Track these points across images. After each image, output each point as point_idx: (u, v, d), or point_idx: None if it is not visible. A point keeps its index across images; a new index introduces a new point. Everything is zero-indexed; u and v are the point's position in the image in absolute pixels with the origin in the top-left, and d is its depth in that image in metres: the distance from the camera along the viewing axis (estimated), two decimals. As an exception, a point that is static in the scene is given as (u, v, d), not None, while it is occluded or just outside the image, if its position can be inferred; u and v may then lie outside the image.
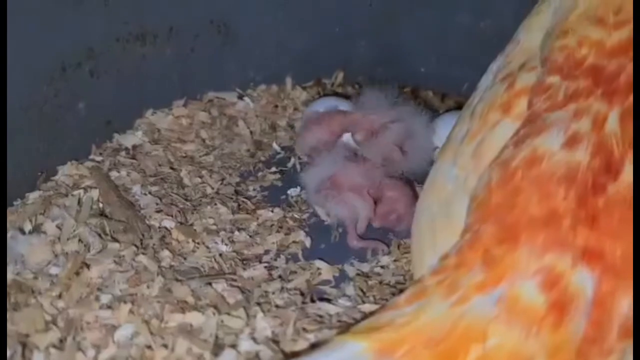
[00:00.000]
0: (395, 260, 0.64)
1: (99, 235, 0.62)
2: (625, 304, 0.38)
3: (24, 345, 0.50)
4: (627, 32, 0.44)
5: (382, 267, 0.64)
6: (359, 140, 0.72)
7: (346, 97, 0.84)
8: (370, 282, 0.62)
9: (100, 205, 0.66)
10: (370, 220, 0.69)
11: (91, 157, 0.74)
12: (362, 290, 0.60)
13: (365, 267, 0.64)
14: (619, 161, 0.41)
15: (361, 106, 0.75)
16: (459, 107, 0.84)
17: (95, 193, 0.67)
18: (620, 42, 0.44)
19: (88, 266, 0.58)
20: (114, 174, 0.71)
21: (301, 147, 0.75)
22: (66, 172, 0.71)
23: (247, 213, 0.70)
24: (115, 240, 0.62)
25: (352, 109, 0.77)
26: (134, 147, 0.76)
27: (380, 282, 0.61)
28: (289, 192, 0.74)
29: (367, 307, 0.57)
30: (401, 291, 0.57)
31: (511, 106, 0.48)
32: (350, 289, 0.60)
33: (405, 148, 0.72)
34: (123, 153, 0.75)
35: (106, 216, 0.65)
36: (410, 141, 0.73)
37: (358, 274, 0.63)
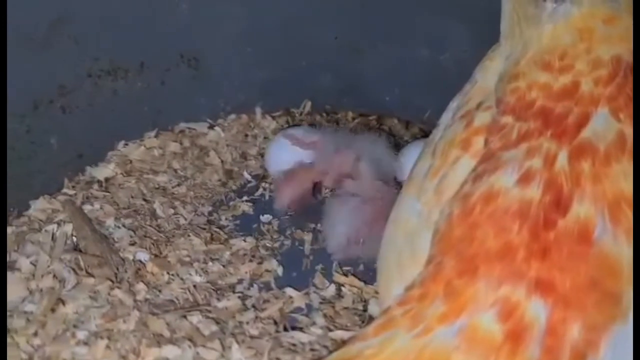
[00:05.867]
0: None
1: (74, 270, 0.63)
2: (575, 331, 0.41)
3: (2, 385, 0.51)
4: (570, 77, 0.47)
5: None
6: (330, 186, 0.78)
7: (314, 125, 0.88)
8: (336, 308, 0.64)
9: (74, 239, 0.67)
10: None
11: (64, 191, 0.75)
12: (331, 317, 0.62)
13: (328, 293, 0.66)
14: (567, 197, 0.44)
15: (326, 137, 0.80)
16: (423, 134, 0.87)
17: (68, 227, 0.68)
18: (565, 86, 0.47)
19: (63, 302, 0.60)
20: (87, 207, 0.72)
21: (280, 205, 0.78)
22: (39, 206, 0.72)
23: (220, 243, 0.72)
24: (90, 275, 0.63)
25: (320, 137, 0.81)
26: (107, 179, 0.78)
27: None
28: (261, 218, 0.76)
29: (338, 334, 0.60)
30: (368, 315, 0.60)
31: (470, 143, 0.50)
32: (320, 317, 0.62)
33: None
34: (96, 186, 0.76)
35: (80, 251, 0.66)
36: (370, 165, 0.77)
37: (322, 302, 0.65)
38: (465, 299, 0.42)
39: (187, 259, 0.68)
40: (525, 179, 0.45)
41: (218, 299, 0.63)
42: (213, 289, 0.65)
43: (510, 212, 0.44)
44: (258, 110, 0.90)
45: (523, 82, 0.49)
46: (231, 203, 0.79)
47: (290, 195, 0.77)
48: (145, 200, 0.76)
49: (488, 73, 0.54)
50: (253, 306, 0.63)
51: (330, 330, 0.60)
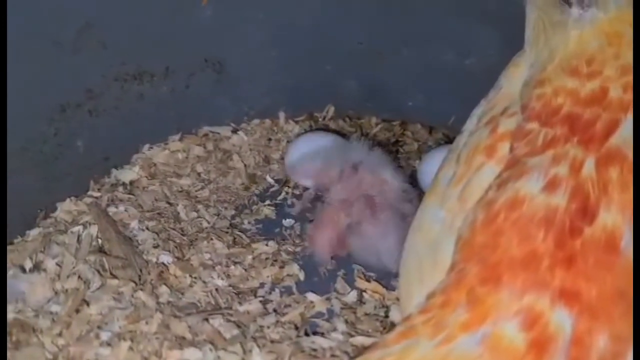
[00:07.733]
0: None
1: (98, 271, 0.64)
2: (601, 341, 0.40)
3: (27, 384, 0.52)
4: (598, 82, 0.46)
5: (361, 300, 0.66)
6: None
7: (336, 131, 0.87)
8: (358, 314, 0.64)
9: (99, 241, 0.68)
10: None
11: (90, 193, 0.76)
12: (352, 323, 0.62)
13: (350, 299, 0.65)
14: (594, 205, 0.43)
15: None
16: (447, 140, 0.87)
17: (94, 229, 0.69)
18: (593, 92, 0.46)
19: (88, 303, 0.60)
20: (112, 210, 0.73)
21: (323, 260, 0.71)
22: (65, 208, 0.73)
23: (242, 247, 0.72)
24: (114, 276, 0.64)
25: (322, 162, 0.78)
26: (131, 182, 0.78)
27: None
28: (283, 222, 0.76)
29: (359, 340, 0.59)
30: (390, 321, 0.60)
31: (495, 150, 0.50)
32: (341, 322, 0.62)
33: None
34: (121, 188, 0.77)
35: (105, 252, 0.66)
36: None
37: (343, 308, 0.64)
38: (488, 307, 0.42)
39: (210, 262, 0.68)
40: (551, 186, 0.44)
41: (240, 303, 0.63)
42: (235, 293, 0.65)
43: (535, 220, 0.43)
44: (281, 115, 0.90)
45: (549, 87, 0.48)
46: (254, 207, 0.79)
47: (329, 244, 0.70)
48: (168, 203, 0.76)
49: (513, 79, 0.53)
50: (274, 310, 0.63)
51: (351, 336, 0.60)
